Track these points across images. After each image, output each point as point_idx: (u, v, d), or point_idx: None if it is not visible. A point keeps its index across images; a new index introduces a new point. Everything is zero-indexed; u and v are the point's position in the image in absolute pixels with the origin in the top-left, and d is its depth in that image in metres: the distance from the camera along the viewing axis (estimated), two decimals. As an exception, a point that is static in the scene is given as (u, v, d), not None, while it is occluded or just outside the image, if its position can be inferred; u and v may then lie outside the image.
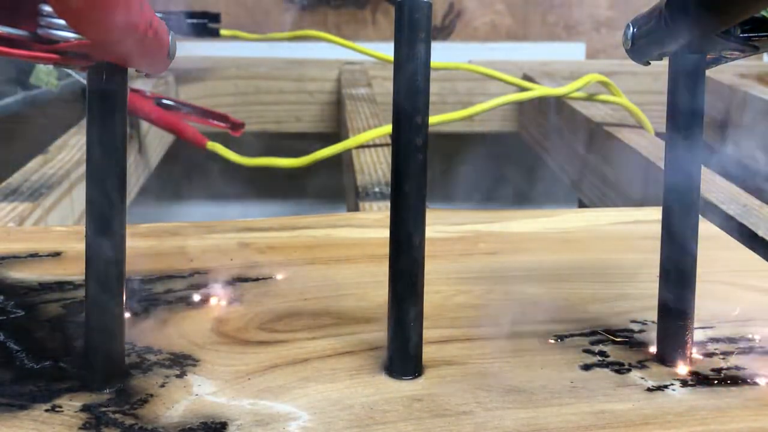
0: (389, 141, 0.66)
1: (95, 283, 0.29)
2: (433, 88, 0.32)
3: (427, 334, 0.32)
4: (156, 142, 0.87)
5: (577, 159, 0.85)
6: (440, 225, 0.48)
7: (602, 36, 1.29)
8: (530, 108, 1.04)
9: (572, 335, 0.35)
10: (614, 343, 0.34)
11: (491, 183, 1.12)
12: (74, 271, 0.40)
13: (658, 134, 0.74)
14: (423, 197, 0.30)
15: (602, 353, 0.33)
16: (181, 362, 0.32)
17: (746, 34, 0.29)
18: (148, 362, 0.32)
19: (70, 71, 0.79)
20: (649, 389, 0.31)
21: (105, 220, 0.29)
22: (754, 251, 0.45)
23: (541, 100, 0.95)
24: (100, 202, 0.29)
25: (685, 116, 0.31)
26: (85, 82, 0.29)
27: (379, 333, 0.34)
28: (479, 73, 0.94)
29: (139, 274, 0.40)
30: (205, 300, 0.38)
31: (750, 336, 0.35)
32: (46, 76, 0.79)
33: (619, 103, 0.81)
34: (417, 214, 0.30)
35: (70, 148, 0.68)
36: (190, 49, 1.11)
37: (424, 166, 0.30)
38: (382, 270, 0.32)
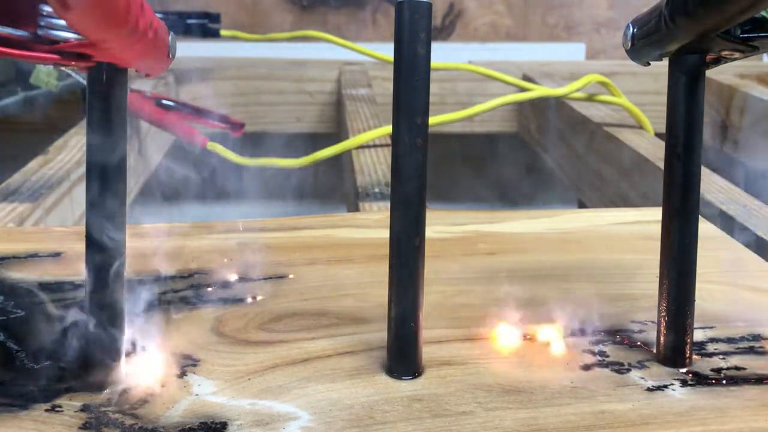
0: (389, 141, 0.66)
1: (95, 283, 0.29)
2: (433, 88, 0.32)
3: (427, 334, 0.32)
4: (156, 142, 0.87)
5: (577, 159, 0.85)
6: (440, 225, 0.48)
7: (602, 36, 1.29)
8: (530, 108, 1.04)
9: (572, 335, 0.35)
10: (614, 343, 0.34)
11: (491, 183, 1.12)
12: (74, 271, 0.40)
13: (658, 134, 0.74)
14: (423, 197, 0.30)
15: (602, 353, 0.33)
16: (181, 362, 0.32)
17: (746, 34, 0.29)
18: (148, 362, 0.32)
19: (70, 71, 0.79)
20: (649, 389, 0.31)
21: (105, 220, 0.29)
22: (754, 251, 0.45)
23: (541, 101, 0.95)
24: (100, 203, 0.29)
25: (684, 117, 0.31)
26: (85, 82, 0.29)
27: (379, 333, 0.34)
28: (479, 73, 0.94)
29: (139, 274, 0.40)
30: (205, 300, 0.38)
31: (750, 336, 0.35)
32: (46, 76, 0.79)
33: (619, 104, 0.81)
34: (417, 214, 0.30)
35: (70, 149, 0.68)
36: (190, 50, 1.11)
37: (424, 166, 0.30)
38: (382, 270, 0.32)
